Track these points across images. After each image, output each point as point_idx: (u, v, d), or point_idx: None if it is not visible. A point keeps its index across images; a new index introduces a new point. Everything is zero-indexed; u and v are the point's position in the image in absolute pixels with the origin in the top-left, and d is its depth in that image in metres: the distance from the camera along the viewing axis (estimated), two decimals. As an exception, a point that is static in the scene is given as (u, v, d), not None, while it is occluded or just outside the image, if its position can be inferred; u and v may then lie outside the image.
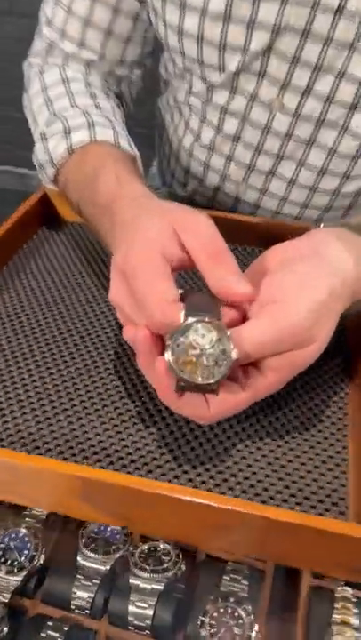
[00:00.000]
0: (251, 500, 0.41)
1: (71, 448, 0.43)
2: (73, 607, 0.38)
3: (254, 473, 0.43)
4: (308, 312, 0.39)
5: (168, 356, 0.38)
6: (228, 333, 0.38)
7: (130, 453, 0.43)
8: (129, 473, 0.42)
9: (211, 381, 0.38)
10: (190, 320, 0.38)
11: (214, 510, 0.37)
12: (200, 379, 0.38)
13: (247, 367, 0.42)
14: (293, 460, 0.44)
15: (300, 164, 0.67)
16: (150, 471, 0.42)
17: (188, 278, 0.60)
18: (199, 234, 0.41)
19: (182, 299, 0.40)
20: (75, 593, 0.38)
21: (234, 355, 0.38)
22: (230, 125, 0.68)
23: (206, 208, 0.71)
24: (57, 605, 0.38)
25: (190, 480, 0.42)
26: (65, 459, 0.42)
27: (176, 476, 0.42)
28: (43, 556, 0.40)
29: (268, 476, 0.42)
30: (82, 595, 0.38)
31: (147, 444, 0.44)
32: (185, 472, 0.42)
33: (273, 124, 0.64)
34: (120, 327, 0.49)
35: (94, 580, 0.38)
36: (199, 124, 0.72)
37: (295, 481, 0.42)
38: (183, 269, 0.42)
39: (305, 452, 0.44)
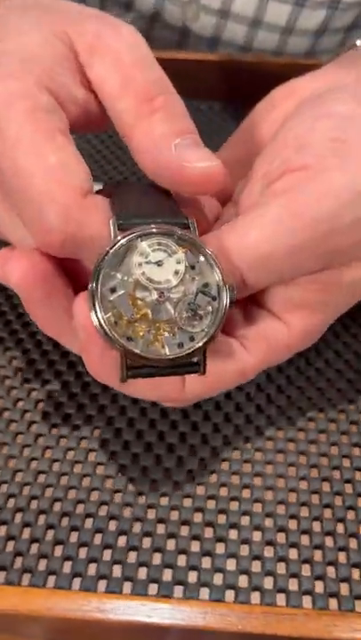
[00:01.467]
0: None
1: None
2: None
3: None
4: (358, 195, 0.24)
5: (96, 314, 0.22)
6: (210, 251, 0.23)
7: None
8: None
9: (189, 350, 0.23)
10: (128, 234, 0.22)
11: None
12: (166, 350, 0.22)
13: (248, 306, 0.27)
14: None
15: None
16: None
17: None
18: (119, 55, 0.24)
19: (108, 196, 0.24)
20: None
21: (227, 292, 0.23)
22: None
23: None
24: None
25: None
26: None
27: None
28: None
29: None
30: None
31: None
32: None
33: None
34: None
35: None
36: None
37: None
38: (89, 130, 0.26)
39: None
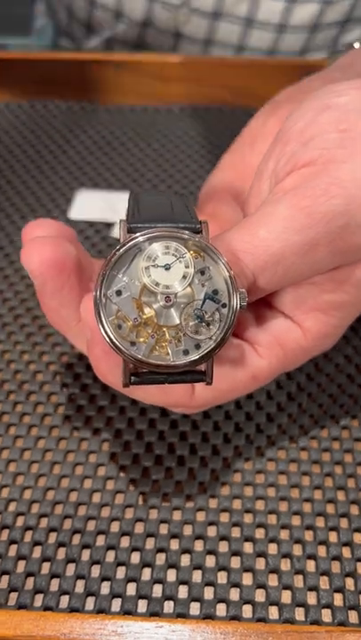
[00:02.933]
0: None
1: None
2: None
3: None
4: None
5: (100, 318, 0.21)
6: (221, 256, 0.22)
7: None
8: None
9: (194, 358, 0.22)
10: (136, 236, 0.22)
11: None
12: (170, 356, 0.22)
13: (260, 307, 0.26)
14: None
15: None
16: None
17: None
18: None
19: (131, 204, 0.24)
20: None
21: (237, 297, 0.22)
22: None
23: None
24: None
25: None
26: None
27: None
28: None
29: None
30: None
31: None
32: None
33: None
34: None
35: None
36: None
37: None
38: None
39: None
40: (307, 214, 0.23)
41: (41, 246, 0.23)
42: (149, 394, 0.25)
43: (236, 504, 0.29)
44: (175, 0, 0.54)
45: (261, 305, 0.26)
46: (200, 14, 0.54)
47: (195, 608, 0.26)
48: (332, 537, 0.28)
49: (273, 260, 0.23)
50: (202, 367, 0.23)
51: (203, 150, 0.49)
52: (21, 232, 0.25)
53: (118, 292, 0.22)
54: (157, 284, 0.22)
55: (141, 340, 0.22)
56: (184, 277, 0.22)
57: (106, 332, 0.21)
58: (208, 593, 0.26)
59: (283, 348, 0.25)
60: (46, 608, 0.25)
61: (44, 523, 0.28)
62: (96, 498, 0.29)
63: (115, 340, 0.21)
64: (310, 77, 0.33)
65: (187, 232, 0.22)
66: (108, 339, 0.22)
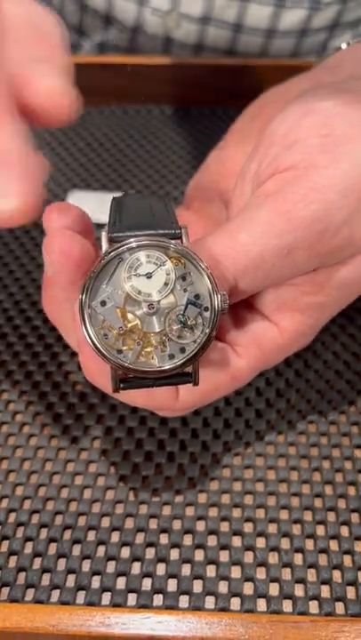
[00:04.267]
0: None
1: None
2: None
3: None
4: (349, 191, 0.23)
5: (85, 327, 0.22)
6: (200, 261, 0.22)
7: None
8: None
9: (180, 361, 0.23)
10: (118, 247, 0.22)
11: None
12: (156, 361, 0.23)
13: (239, 311, 0.27)
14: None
15: None
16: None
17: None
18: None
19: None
20: None
21: (218, 299, 0.22)
22: None
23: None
24: None
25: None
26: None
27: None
28: None
29: None
30: None
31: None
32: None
33: None
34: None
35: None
36: None
37: None
38: None
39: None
40: (286, 219, 0.23)
41: (63, 238, 0.23)
42: (135, 397, 0.25)
43: (225, 498, 0.29)
44: (164, 6, 0.54)
45: (240, 306, 0.27)
46: (189, 20, 0.54)
47: (184, 601, 0.26)
48: (320, 530, 0.28)
49: (253, 265, 0.23)
50: (188, 369, 0.23)
51: (195, 151, 0.49)
52: (44, 214, 0.24)
53: (103, 303, 0.22)
54: (140, 293, 0.22)
55: (127, 347, 0.22)
56: (166, 284, 0.22)
57: (92, 341, 0.22)
58: (197, 586, 0.26)
59: (260, 348, 0.26)
60: (37, 602, 0.26)
61: (35, 519, 0.29)
62: (87, 494, 0.29)
63: (101, 349, 0.22)
64: (298, 77, 0.34)
65: (167, 239, 0.23)
66: (94, 347, 0.22)
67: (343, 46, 0.36)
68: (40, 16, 0.26)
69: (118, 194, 0.45)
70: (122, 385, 0.23)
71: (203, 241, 0.24)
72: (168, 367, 0.22)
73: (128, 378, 0.23)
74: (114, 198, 0.26)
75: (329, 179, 0.23)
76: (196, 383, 0.24)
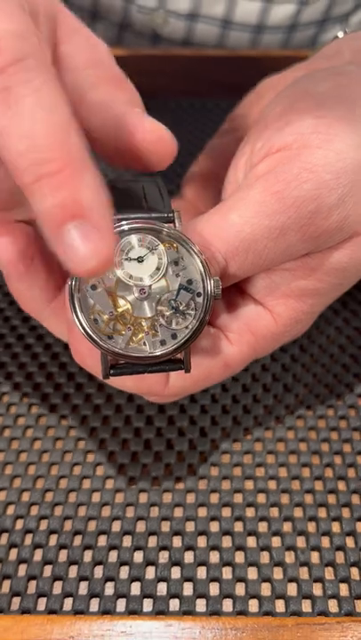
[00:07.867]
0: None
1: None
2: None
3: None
4: (342, 172, 0.23)
5: (75, 313, 0.21)
6: (193, 245, 0.22)
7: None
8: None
9: (172, 347, 0.22)
10: (115, 226, 0.22)
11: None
12: (147, 347, 0.22)
13: (232, 297, 0.26)
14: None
15: None
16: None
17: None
18: (96, 43, 0.25)
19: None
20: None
21: (212, 284, 0.22)
22: None
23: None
24: None
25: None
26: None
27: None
28: None
29: None
30: None
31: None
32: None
33: None
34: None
35: None
36: None
37: None
38: None
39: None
40: (278, 199, 0.23)
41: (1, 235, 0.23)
42: (125, 381, 0.24)
43: (225, 484, 0.29)
44: (151, 3, 0.53)
45: (233, 291, 0.26)
46: (176, 16, 0.54)
47: (201, 605, 0.25)
48: (335, 527, 0.28)
49: (244, 246, 0.23)
50: (179, 356, 0.23)
51: (202, 143, 0.49)
52: None
53: (93, 287, 0.22)
54: (131, 277, 0.22)
55: (118, 333, 0.22)
56: (158, 269, 0.22)
57: (83, 327, 0.21)
58: (213, 589, 0.26)
59: (254, 335, 0.25)
60: (50, 611, 0.25)
61: (44, 525, 0.28)
62: (86, 484, 0.29)
63: (92, 335, 0.21)
64: (295, 66, 0.33)
65: (159, 222, 0.22)
66: (85, 333, 0.22)
67: (340, 35, 0.35)
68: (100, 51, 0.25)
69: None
70: (112, 371, 0.23)
71: (194, 222, 0.24)
72: (159, 353, 0.22)
73: (119, 364, 0.22)
74: (107, 181, 0.25)
75: (323, 158, 0.23)
76: (187, 370, 0.23)
